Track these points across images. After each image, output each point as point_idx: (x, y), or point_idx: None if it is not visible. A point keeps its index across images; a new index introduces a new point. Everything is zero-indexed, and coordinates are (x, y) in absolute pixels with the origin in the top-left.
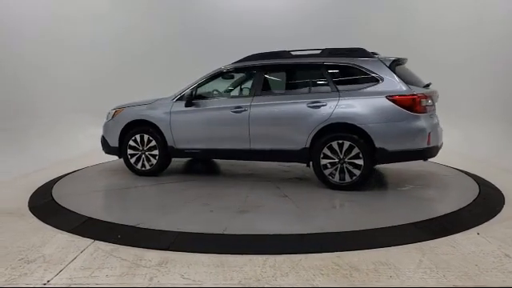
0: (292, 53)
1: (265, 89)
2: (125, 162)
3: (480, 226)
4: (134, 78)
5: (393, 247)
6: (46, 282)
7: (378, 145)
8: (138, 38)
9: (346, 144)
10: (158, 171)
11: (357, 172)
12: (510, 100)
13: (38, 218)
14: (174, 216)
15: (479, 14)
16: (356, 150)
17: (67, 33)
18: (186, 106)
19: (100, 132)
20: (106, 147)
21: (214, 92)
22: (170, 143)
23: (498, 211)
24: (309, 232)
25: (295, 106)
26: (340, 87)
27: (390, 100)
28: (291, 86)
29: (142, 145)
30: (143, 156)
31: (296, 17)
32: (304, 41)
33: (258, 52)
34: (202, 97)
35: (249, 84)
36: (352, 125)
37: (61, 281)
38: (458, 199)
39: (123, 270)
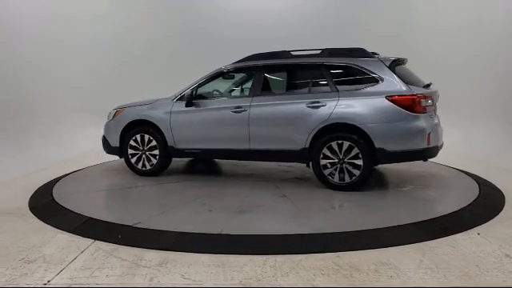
0: (292, 53)
1: (265, 89)
2: (125, 161)
3: (480, 226)
4: (134, 78)
5: (393, 247)
6: (46, 282)
7: (377, 145)
8: (138, 38)
9: (346, 144)
10: (158, 171)
11: (356, 172)
12: (510, 100)
13: (39, 218)
14: (172, 216)
15: (479, 14)
16: (355, 151)
17: (67, 33)
18: (187, 106)
19: (100, 132)
20: (107, 147)
21: (215, 92)
22: (170, 143)
23: (499, 211)
24: (306, 232)
25: (295, 106)
26: (340, 87)
27: (389, 100)
28: (291, 86)
29: (143, 145)
30: (144, 156)
31: (296, 17)
32: (304, 41)
33: (258, 52)
34: (202, 97)
35: (249, 84)
36: (352, 125)
37: (61, 281)
38: (458, 199)
39: (123, 270)
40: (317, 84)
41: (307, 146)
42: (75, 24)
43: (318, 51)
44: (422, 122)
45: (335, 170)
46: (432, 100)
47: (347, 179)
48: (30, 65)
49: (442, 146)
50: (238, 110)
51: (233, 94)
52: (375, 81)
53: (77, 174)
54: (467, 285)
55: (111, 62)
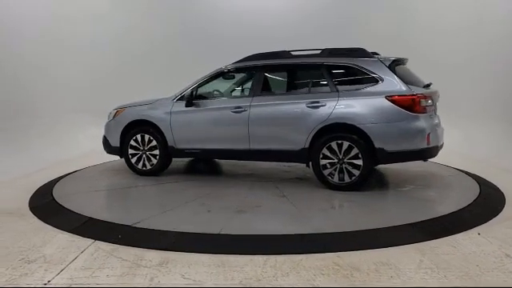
0: (292, 53)
1: (264, 89)
2: (126, 161)
3: (481, 226)
4: (134, 78)
5: (393, 247)
6: (46, 282)
7: (377, 145)
8: (138, 38)
9: (346, 144)
10: (158, 171)
11: (356, 172)
12: (510, 100)
13: (39, 218)
14: (172, 216)
15: (479, 14)
16: (355, 151)
17: (67, 33)
18: (187, 106)
19: (100, 132)
20: (108, 147)
21: (215, 92)
22: (170, 143)
23: (499, 211)
24: (305, 232)
25: (294, 106)
26: (339, 87)
27: (389, 100)
28: (291, 86)
29: (143, 145)
30: (144, 156)
31: (296, 17)
32: (304, 41)
33: (258, 52)
34: (202, 97)
35: (249, 84)
36: (351, 125)
37: (61, 281)
38: (458, 199)
39: (124, 270)
40: (317, 84)
41: (307, 146)
42: (75, 24)
43: (318, 51)
44: (421, 122)
45: (335, 170)
46: (432, 100)
47: (347, 179)
48: (29, 65)
49: (442, 146)
50: (238, 110)
51: (233, 94)
52: (375, 81)
53: (77, 174)
54: (467, 285)
55: (111, 61)
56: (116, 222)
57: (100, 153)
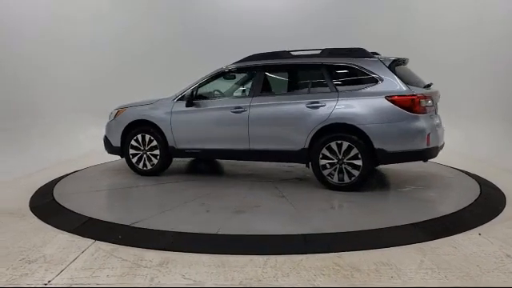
0: (292, 53)
1: (264, 89)
2: (127, 161)
3: (481, 226)
4: (134, 78)
5: (394, 248)
6: (46, 283)
7: (376, 145)
8: (138, 38)
9: (345, 144)
10: (159, 171)
11: (355, 173)
12: (511, 100)
13: (39, 218)
14: (170, 216)
15: (479, 14)
16: (355, 151)
17: (67, 33)
18: (187, 106)
19: (101, 132)
20: (109, 147)
21: (215, 92)
22: (170, 143)
23: (500, 211)
24: (302, 232)
25: (294, 106)
26: (339, 87)
27: (389, 100)
28: (291, 86)
29: (144, 145)
30: (144, 156)
31: (296, 17)
32: (304, 41)
33: (258, 52)
34: (202, 97)
35: (249, 84)
36: (351, 125)
37: (62, 281)
38: (458, 199)
39: (124, 271)
40: (316, 84)
41: (306, 146)
42: (75, 24)
43: (318, 51)
44: (421, 123)
45: (334, 170)
46: (432, 100)
47: (346, 179)
48: (29, 65)
49: (442, 146)
50: (238, 110)
51: (233, 94)
52: (375, 81)
53: (77, 174)
54: (468, 285)
55: (111, 61)
56: (115, 222)
57: (100, 153)
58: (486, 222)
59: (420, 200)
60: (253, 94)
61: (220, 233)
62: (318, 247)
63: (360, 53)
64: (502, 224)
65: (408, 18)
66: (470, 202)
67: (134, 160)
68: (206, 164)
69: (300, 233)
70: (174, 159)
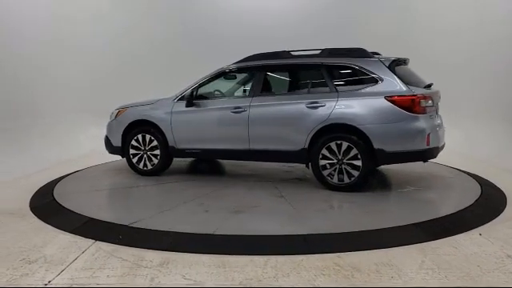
0: (292, 53)
1: (264, 89)
2: (127, 161)
3: (482, 226)
4: (134, 78)
5: (394, 248)
6: (47, 283)
7: (376, 146)
8: (138, 38)
9: (345, 145)
10: (159, 171)
11: (355, 173)
12: (511, 100)
13: (40, 219)
14: (169, 216)
15: (479, 14)
16: (354, 151)
17: (67, 33)
18: (187, 106)
19: (101, 132)
20: (110, 147)
21: (215, 92)
22: (171, 143)
23: (501, 212)
24: (299, 233)
25: (294, 106)
26: (339, 87)
27: (388, 100)
28: (290, 87)
29: (144, 145)
30: (145, 156)
31: (296, 17)
32: (304, 41)
33: (258, 52)
34: (202, 97)
35: (249, 84)
36: (350, 125)
37: (62, 281)
38: (459, 200)
39: (124, 271)
40: (316, 84)
41: (306, 146)
42: (75, 24)
43: (318, 51)
44: (421, 123)
45: (334, 170)
46: (432, 100)
47: (346, 180)
48: (29, 65)
49: (443, 146)
50: (238, 110)
51: (233, 94)
52: (375, 81)
53: (78, 174)
54: (469, 285)
55: (111, 62)
56: (115, 222)
57: (101, 153)
58: (487, 222)
59: (420, 200)
60: (253, 94)
61: (217, 233)
62: (317, 247)
63: (360, 53)
64: (503, 224)
65: (408, 18)
66: (471, 203)
67: (135, 160)
68: (206, 164)
69: (298, 233)
70: (174, 159)
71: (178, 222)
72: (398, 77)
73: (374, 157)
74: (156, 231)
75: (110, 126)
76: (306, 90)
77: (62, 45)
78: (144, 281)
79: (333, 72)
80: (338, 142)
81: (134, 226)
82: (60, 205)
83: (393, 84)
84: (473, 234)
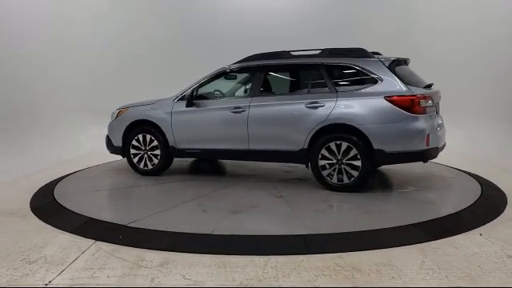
0: (292, 53)
1: (264, 89)
2: (128, 161)
3: (482, 226)
4: (134, 78)
5: (395, 248)
6: (47, 283)
7: (375, 146)
8: (138, 38)
9: (344, 145)
10: (160, 171)
11: (355, 173)
12: (511, 100)
13: (40, 219)
14: (167, 216)
15: (479, 14)
16: (354, 151)
17: (67, 33)
18: (187, 106)
19: (101, 132)
20: (111, 147)
21: (215, 92)
22: (171, 143)
23: (501, 212)
24: (297, 233)
25: (293, 106)
26: (338, 88)
27: (388, 101)
28: (290, 87)
29: (145, 145)
30: (145, 156)
31: (296, 17)
32: (304, 41)
33: (258, 52)
34: (202, 97)
35: (249, 84)
36: (350, 126)
37: (62, 281)
38: (459, 200)
39: (125, 271)
40: (316, 84)
41: (306, 146)
42: (75, 24)
43: (318, 51)
44: (421, 123)
45: (334, 170)
46: (432, 101)
47: (346, 180)
48: (30, 65)
49: (443, 147)
50: (238, 110)
51: (233, 94)
52: (374, 81)
53: (78, 174)
54: (469, 286)
55: (111, 62)
56: (114, 222)
57: (101, 153)
58: (487, 222)
59: (421, 201)
60: (252, 94)
61: (215, 233)
62: (318, 248)
63: (360, 53)
64: (503, 224)
65: (408, 18)
66: (471, 203)
67: (135, 160)
68: (206, 164)
69: (295, 233)
70: (175, 159)
71: (177, 221)
72: (398, 77)
73: (373, 157)
74: (155, 231)
75: (110, 126)
76: (305, 90)
77: (61, 45)
78: (144, 281)
79: (332, 72)
80: (338, 142)
81: (132, 225)
82: (60, 205)
83: (392, 84)
84: (473, 234)
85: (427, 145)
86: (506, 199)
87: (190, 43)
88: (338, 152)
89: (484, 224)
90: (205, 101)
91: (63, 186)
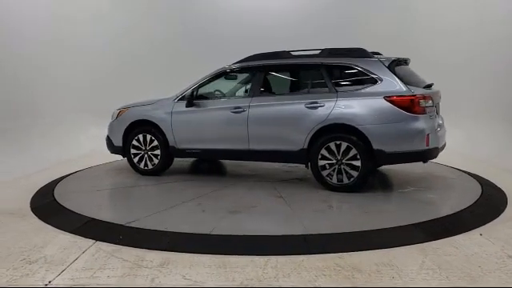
0: (292, 53)
1: (264, 89)
2: (128, 161)
3: (483, 226)
4: (134, 78)
5: (395, 248)
6: (47, 283)
7: (375, 146)
8: (138, 38)
9: (344, 145)
10: (160, 171)
11: (354, 173)
12: (511, 100)
13: (40, 219)
14: (165, 216)
15: (479, 14)
16: (353, 152)
17: (67, 33)
18: (187, 106)
19: (101, 132)
20: (111, 147)
21: (216, 92)
22: (171, 143)
23: (501, 212)
24: (295, 233)
25: (293, 106)
26: (338, 88)
27: (387, 101)
28: (290, 87)
29: (145, 145)
30: (146, 156)
31: (296, 17)
32: (304, 41)
33: (259, 52)
34: (202, 97)
35: (249, 84)
36: (349, 126)
37: (62, 281)
38: (460, 200)
39: (125, 271)
40: (316, 84)
41: (305, 146)
42: (75, 24)
43: (318, 51)
44: (420, 123)
45: (333, 171)
46: (432, 101)
47: (345, 180)
48: (30, 65)
49: (443, 147)
50: (237, 110)
51: (233, 94)
52: (374, 81)
53: (78, 174)
54: (469, 286)
55: (111, 62)
56: (113, 222)
57: (101, 153)
58: (488, 222)
59: (421, 201)
60: (252, 94)
61: (214, 233)
62: (318, 248)
63: (359, 53)
64: (504, 224)
65: (408, 18)
66: (472, 203)
67: (136, 160)
68: (207, 164)
69: (294, 233)
70: (176, 159)
71: (176, 221)
72: (398, 77)
73: (373, 157)
74: (154, 231)
75: (111, 126)
76: (305, 90)
77: (62, 45)
78: (144, 281)
79: (332, 72)
80: (337, 142)
81: (131, 225)
82: (60, 205)
83: (392, 84)
84: (473, 234)
85: (427, 145)
86: (507, 199)
87: (189, 43)
88: (338, 152)
89: (484, 224)
90: (205, 101)
91: (63, 186)
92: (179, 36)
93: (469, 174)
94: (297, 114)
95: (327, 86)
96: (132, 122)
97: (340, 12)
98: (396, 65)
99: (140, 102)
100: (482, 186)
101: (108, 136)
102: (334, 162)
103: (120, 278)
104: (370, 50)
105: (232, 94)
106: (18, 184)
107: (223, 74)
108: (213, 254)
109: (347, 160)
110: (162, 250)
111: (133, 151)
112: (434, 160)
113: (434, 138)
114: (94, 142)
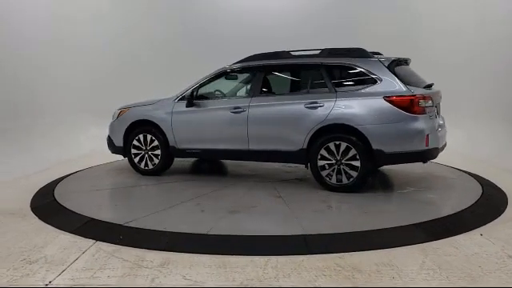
0: (292, 53)
1: (264, 89)
2: (129, 161)
3: (483, 226)
4: (134, 78)
5: (395, 248)
6: (47, 283)
7: (375, 146)
8: (138, 38)
9: (343, 145)
10: (160, 171)
11: (354, 174)
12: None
13: (40, 219)
14: (164, 216)
15: (479, 14)
16: (353, 152)
17: (67, 33)
18: (187, 106)
19: (101, 132)
20: (112, 147)
21: (216, 92)
22: (171, 143)
23: (502, 212)
24: (293, 233)
25: (293, 106)
26: (338, 88)
27: (387, 101)
28: (290, 87)
29: (145, 144)
30: (146, 156)
31: (296, 17)
32: (304, 41)
33: (259, 52)
34: (202, 97)
35: (249, 84)
36: (349, 126)
37: (63, 281)
38: (460, 200)
39: (125, 271)
40: (315, 84)
41: (305, 146)
42: (75, 24)
43: (318, 51)
44: (420, 123)
45: (333, 171)
46: (432, 101)
47: (345, 180)
48: (29, 65)
49: (444, 147)
50: (237, 110)
51: (232, 94)
52: (374, 81)
53: (78, 174)
54: (470, 286)
55: (111, 62)
56: (113, 222)
57: (101, 153)
58: (488, 222)
59: (421, 201)
60: (252, 94)
61: (211, 233)
62: (318, 248)
63: (359, 53)
64: (504, 224)
65: (408, 18)
66: (472, 203)
67: (136, 160)
68: (207, 164)
69: (294, 233)
70: (176, 159)
71: (176, 221)
72: (398, 77)
73: (372, 157)
74: (153, 231)
75: (112, 127)
76: (305, 90)
77: (61, 45)
78: (145, 281)
79: (332, 72)
80: (337, 142)
81: (129, 225)
82: (61, 205)
83: (392, 84)
84: (474, 234)
85: (427, 145)
86: (507, 199)
87: (189, 43)
88: (337, 152)
89: (485, 224)
90: (205, 101)
91: (63, 186)
92: (179, 36)
93: (469, 174)
94: (296, 114)
95: (327, 86)
96: (133, 122)
97: (340, 12)
98: (396, 65)
99: (140, 102)
100: (482, 186)
101: (109, 136)
102: (334, 162)
103: (120, 278)
104: (369, 50)
105: (232, 94)
106: (18, 184)
107: (223, 74)
108: (212, 254)
109: (347, 160)
110: (160, 250)
111: (133, 151)
112: (434, 160)
113: (433, 139)
114: (94, 142)
